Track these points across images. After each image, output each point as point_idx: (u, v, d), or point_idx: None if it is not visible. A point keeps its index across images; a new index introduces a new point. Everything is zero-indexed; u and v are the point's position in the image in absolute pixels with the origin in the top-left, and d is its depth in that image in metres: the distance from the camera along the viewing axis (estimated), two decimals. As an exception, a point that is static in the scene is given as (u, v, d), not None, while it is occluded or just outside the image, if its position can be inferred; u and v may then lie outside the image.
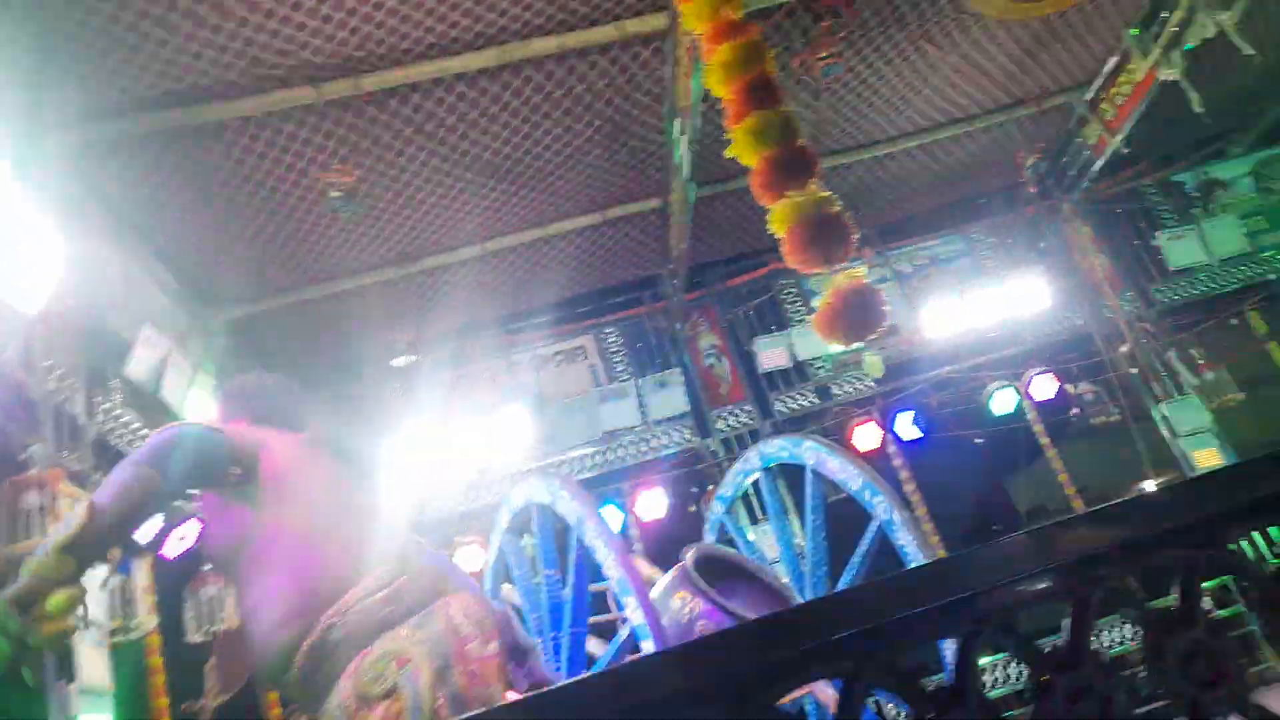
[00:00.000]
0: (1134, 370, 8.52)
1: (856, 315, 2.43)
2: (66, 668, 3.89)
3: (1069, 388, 8.84)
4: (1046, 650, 1.16)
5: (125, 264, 5.75)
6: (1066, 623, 1.17)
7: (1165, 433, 8.16)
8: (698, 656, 1.15)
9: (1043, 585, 1.18)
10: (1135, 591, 1.22)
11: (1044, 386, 8.62)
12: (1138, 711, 1.14)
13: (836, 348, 7.62)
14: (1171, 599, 1.17)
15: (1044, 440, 8.63)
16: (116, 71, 4.78)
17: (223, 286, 6.88)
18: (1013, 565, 1.19)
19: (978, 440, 9.83)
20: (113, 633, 4.38)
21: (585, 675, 1.28)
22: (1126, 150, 7.80)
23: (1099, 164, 8.13)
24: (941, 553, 6.07)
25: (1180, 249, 8.90)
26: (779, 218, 2.39)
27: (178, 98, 5.06)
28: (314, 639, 2.15)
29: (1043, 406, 8.66)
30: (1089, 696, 1.11)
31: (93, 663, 4.11)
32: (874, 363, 5.45)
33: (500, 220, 7.22)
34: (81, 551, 2.04)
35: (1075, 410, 8.94)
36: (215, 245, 6.36)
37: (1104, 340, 8.67)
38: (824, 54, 6.02)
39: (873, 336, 2.99)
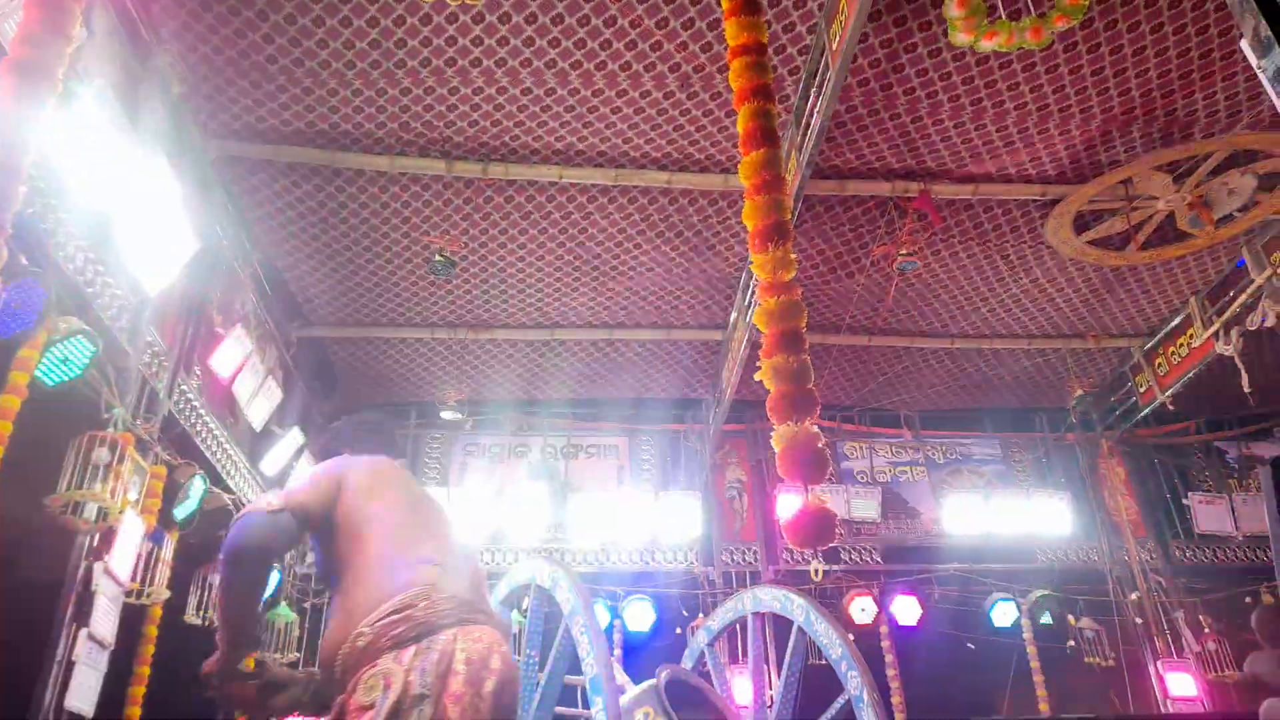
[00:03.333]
0: (1139, 620, 8.54)
1: (811, 530, 2.87)
2: (85, 614, 4.22)
3: (1070, 619, 8.84)
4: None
5: (236, 267, 6.33)
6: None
7: (1158, 692, 8.13)
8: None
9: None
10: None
11: (1046, 613, 8.66)
12: None
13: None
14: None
15: (1034, 664, 8.59)
16: (284, 104, 5.42)
17: (310, 307, 7.46)
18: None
19: (970, 644, 9.79)
20: (129, 593, 4.67)
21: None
22: (1173, 408, 8.05)
23: (1145, 412, 8.39)
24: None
25: (1210, 514, 9.01)
26: (778, 437, 2.85)
27: (328, 139, 5.70)
28: (346, 648, 2.31)
29: (1041, 630, 8.67)
30: None
31: (106, 617, 4.41)
32: (817, 568, 5.89)
33: (574, 314, 7.73)
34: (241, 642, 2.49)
35: (1072, 643, 8.90)
36: (315, 269, 6.95)
37: (1116, 582, 8.73)
38: (904, 250, 6.48)
39: (820, 549, 3.36)
